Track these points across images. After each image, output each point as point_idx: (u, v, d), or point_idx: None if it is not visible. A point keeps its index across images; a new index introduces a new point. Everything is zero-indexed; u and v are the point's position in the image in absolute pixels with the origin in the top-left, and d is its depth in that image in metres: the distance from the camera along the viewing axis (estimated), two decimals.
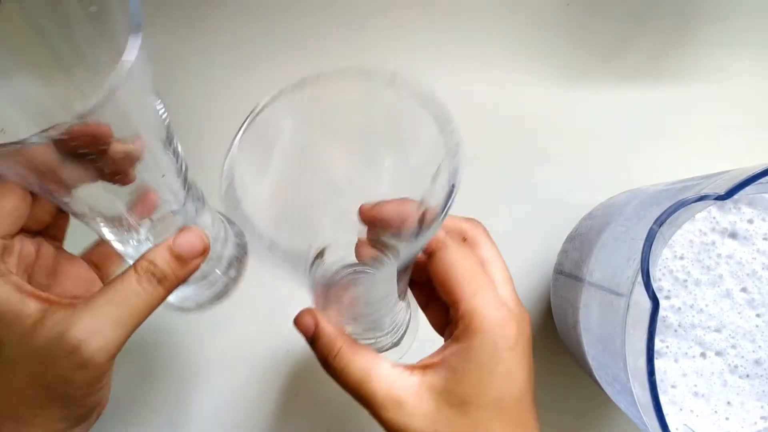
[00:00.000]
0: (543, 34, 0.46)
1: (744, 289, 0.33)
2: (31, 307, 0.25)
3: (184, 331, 0.43)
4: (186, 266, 0.27)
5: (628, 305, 0.28)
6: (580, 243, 0.38)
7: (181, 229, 0.28)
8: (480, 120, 0.45)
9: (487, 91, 0.45)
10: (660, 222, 0.27)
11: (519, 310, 0.27)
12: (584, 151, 0.45)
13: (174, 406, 0.42)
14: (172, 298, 0.34)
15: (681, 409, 0.32)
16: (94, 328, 0.25)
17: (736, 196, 0.26)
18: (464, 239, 0.29)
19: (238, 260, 0.35)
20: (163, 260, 0.27)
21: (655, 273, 0.33)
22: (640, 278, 0.27)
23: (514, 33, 0.46)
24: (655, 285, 0.32)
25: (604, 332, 0.31)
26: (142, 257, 0.27)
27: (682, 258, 0.33)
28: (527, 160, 0.45)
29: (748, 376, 0.32)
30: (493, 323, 0.26)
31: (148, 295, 0.26)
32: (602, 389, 0.35)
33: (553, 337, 0.44)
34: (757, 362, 0.32)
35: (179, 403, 0.42)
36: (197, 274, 0.29)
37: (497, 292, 0.27)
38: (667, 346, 0.32)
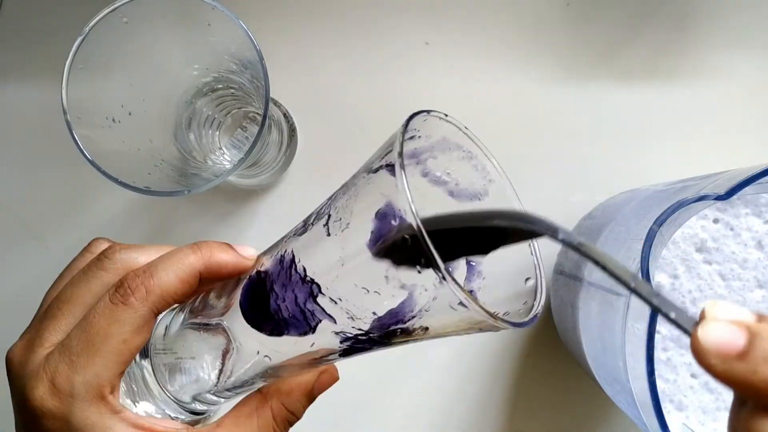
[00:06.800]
0: (543, 34, 0.46)
1: (744, 286, 0.33)
2: None
3: None
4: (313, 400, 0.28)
5: (628, 305, 0.28)
6: None
7: (321, 371, 0.28)
8: (479, 120, 0.45)
9: (487, 90, 0.45)
10: (660, 222, 0.27)
11: None
12: (584, 151, 0.45)
13: None
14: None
15: (685, 406, 0.32)
16: None
17: (735, 196, 0.26)
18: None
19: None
20: (301, 407, 0.27)
21: (655, 271, 0.33)
22: None
23: (514, 33, 0.46)
24: (654, 283, 0.32)
25: (603, 332, 0.31)
26: (279, 401, 0.27)
27: (682, 256, 0.33)
28: (527, 160, 0.45)
29: None
30: None
31: None
32: (602, 389, 0.35)
33: (553, 337, 0.44)
34: None
35: None
36: None
37: None
38: (670, 341, 0.32)
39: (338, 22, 0.46)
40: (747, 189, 0.26)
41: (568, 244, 0.20)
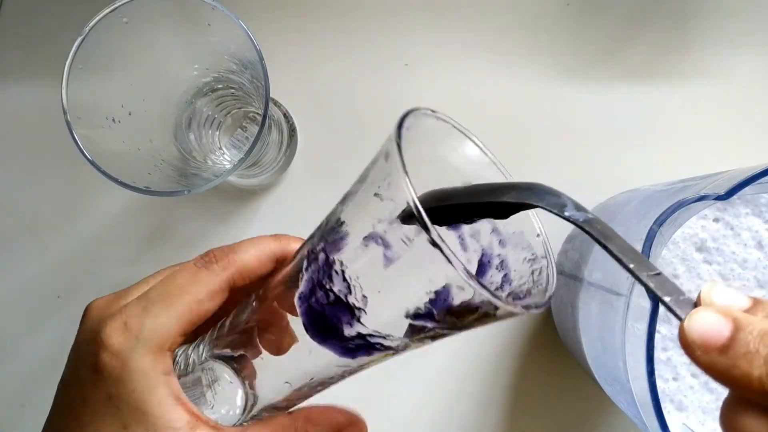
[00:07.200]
0: (543, 34, 0.46)
1: (744, 286, 0.33)
2: (182, 418, 0.24)
3: None
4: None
5: (628, 305, 0.28)
6: (580, 243, 0.38)
7: (352, 422, 0.28)
8: (479, 120, 0.45)
9: (487, 90, 0.45)
10: (660, 222, 0.27)
11: None
12: (584, 151, 0.45)
13: None
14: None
15: (685, 406, 0.32)
16: None
17: (735, 196, 0.26)
18: None
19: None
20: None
21: None
22: None
23: (513, 33, 0.46)
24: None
25: (603, 332, 0.31)
26: (301, 420, 0.27)
27: (682, 256, 0.33)
28: (526, 160, 0.45)
29: None
30: None
31: None
32: (602, 389, 0.35)
33: (553, 337, 0.44)
34: None
35: None
36: None
37: None
38: (670, 341, 0.32)
39: (338, 22, 0.46)
40: (747, 189, 0.26)
41: (573, 222, 0.20)
